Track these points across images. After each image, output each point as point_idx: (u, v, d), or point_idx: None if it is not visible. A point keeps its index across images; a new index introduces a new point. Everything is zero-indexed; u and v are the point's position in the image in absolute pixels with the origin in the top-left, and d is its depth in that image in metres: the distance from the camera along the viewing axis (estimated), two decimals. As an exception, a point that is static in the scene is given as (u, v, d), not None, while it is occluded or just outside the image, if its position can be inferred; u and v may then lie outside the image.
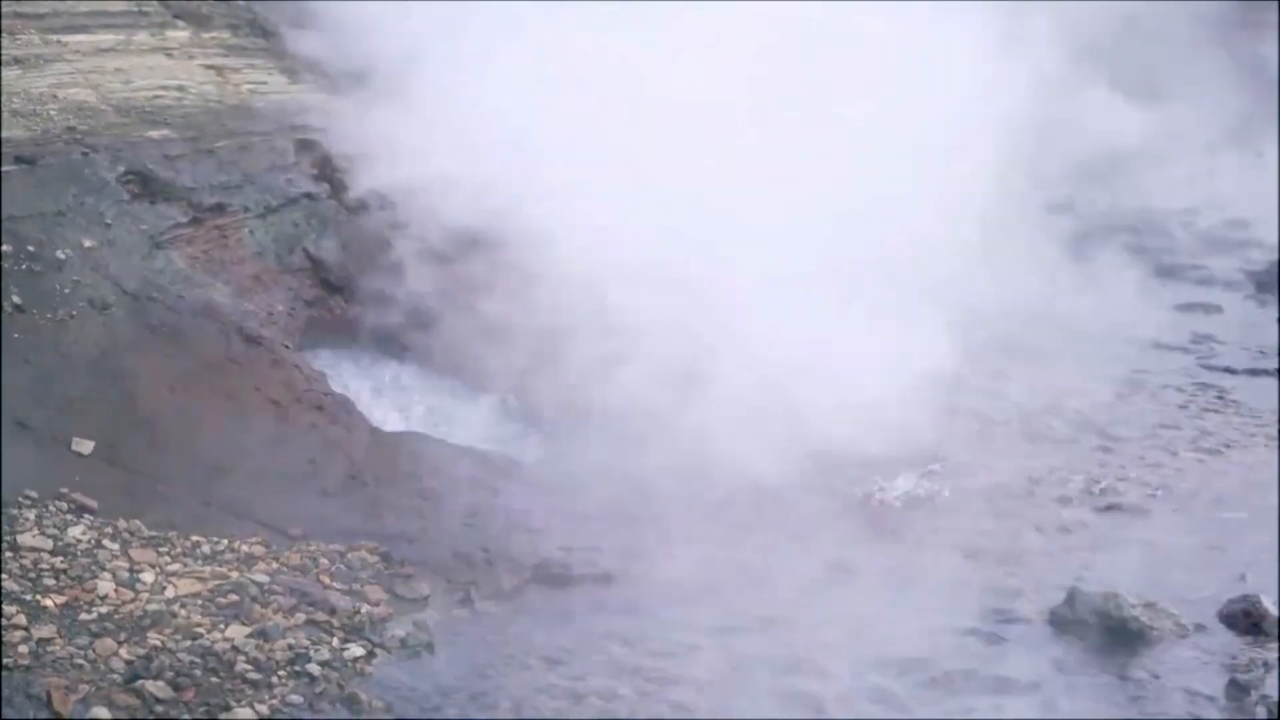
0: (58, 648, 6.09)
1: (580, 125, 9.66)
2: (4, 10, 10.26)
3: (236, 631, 6.45)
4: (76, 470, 7.31)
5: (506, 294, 9.43)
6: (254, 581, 6.85)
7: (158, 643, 6.25)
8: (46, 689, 5.78)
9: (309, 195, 10.00)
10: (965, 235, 10.84)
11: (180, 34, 11.24)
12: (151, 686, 5.95)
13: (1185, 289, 13.36)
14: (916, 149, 10.44)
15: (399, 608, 6.94)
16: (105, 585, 6.60)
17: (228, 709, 5.93)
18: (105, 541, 6.91)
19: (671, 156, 9.49)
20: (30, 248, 8.18)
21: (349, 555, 7.25)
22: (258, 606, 6.67)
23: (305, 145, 10.32)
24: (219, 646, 6.31)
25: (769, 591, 7.47)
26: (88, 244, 8.46)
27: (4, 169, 8.53)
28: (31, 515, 6.94)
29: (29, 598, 6.38)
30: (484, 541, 7.65)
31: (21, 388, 7.51)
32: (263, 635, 6.44)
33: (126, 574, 6.72)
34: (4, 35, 10.04)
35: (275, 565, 7.06)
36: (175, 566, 6.88)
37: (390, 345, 9.75)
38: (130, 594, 6.60)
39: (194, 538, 7.13)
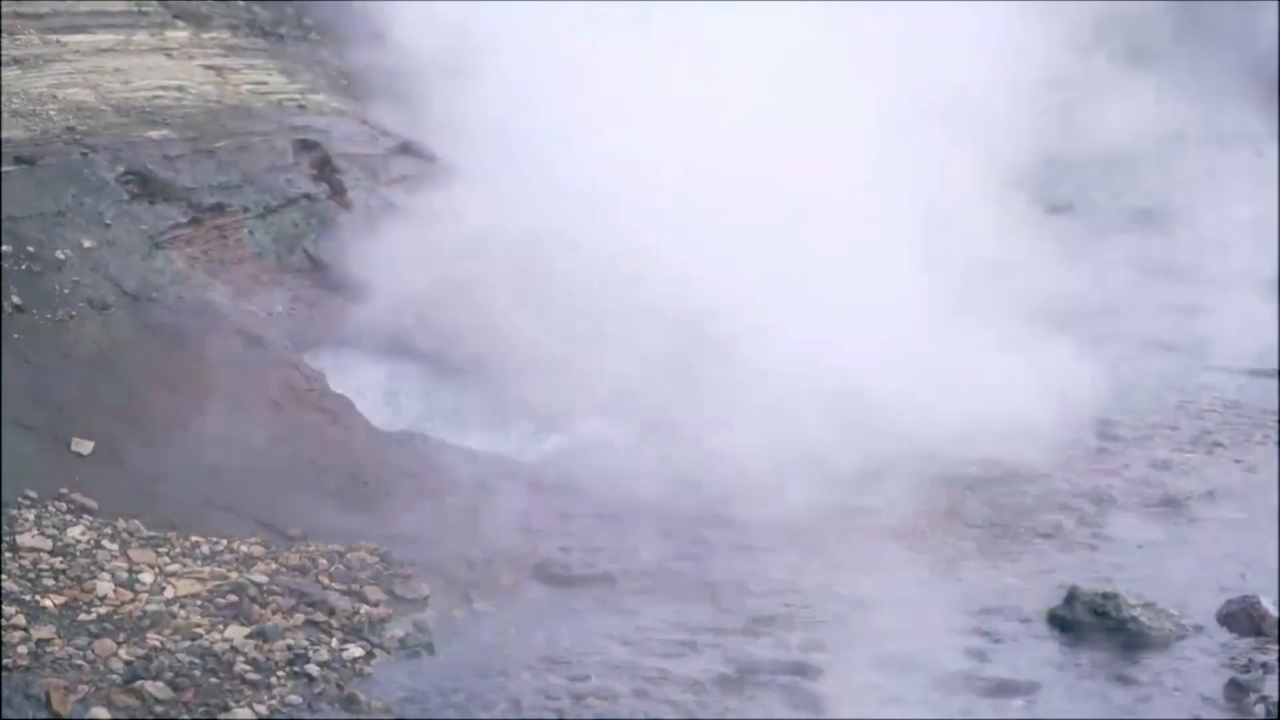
0: (57, 648, 6.10)
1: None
2: (4, 10, 10.28)
3: (236, 632, 6.45)
4: (76, 470, 7.31)
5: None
6: (253, 582, 6.85)
7: (157, 643, 6.25)
8: (46, 689, 5.78)
9: (308, 195, 10.00)
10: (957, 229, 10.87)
11: (180, 34, 11.26)
12: (151, 687, 5.95)
13: (1184, 288, 13.33)
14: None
15: (398, 608, 6.94)
16: (104, 586, 6.60)
17: (227, 709, 5.93)
18: (104, 542, 6.91)
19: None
20: (30, 248, 8.19)
21: (348, 555, 7.25)
22: (257, 607, 6.67)
23: (305, 145, 10.33)
24: (218, 647, 6.31)
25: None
26: (87, 244, 8.46)
27: (4, 169, 8.54)
28: (31, 515, 6.94)
29: (28, 598, 6.38)
30: (483, 542, 7.65)
31: (21, 388, 7.52)
32: (262, 636, 6.44)
33: (126, 574, 6.72)
34: (4, 35, 10.06)
35: (274, 566, 7.05)
36: (174, 567, 6.88)
37: (390, 345, 9.74)
38: (129, 594, 6.60)
39: (193, 538, 7.13)
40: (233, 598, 6.70)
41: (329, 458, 8.07)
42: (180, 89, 10.40)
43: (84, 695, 5.83)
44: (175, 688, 6.00)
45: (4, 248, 8.07)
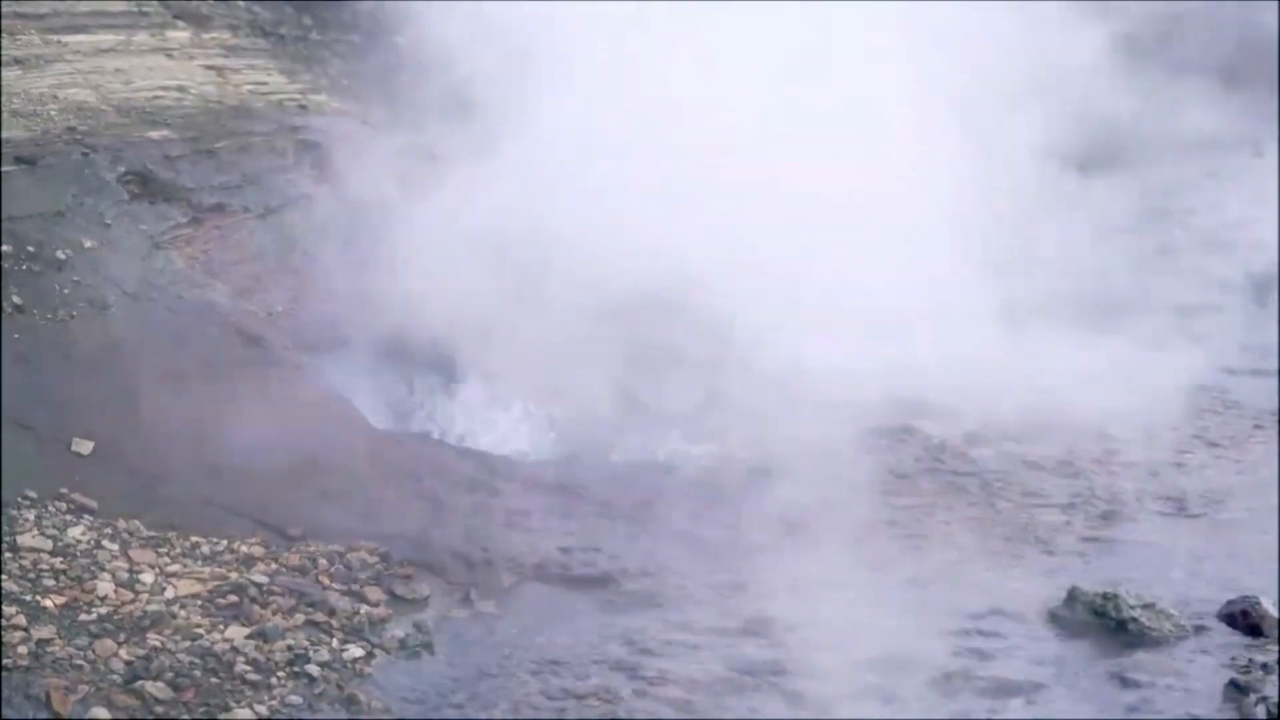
0: (57, 648, 6.10)
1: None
2: (4, 10, 10.28)
3: (236, 632, 6.45)
4: (76, 470, 7.31)
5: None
6: (253, 582, 6.85)
7: (157, 643, 6.26)
8: (46, 689, 5.79)
9: (309, 196, 9.99)
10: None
11: (180, 34, 11.27)
12: (151, 687, 5.96)
13: (1184, 289, 13.31)
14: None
15: (398, 608, 6.94)
16: (105, 586, 6.60)
17: (227, 710, 5.94)
18: (105, 542, 6.91)
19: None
20: (30, 248, 8.19)
21: (348, 556, 7.25)
22: (257, 607, 6.67)
23: (305, 146, 10.32)
24: (218, 647, 6.31)
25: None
26: (88, 244, 8.46)
27: (4, 169, 8.55)
28: (31, 516, 6.94)
29: (29, 598, 6.38)
30: (483, 542, 7.65)
31: (21, 388, 7.52)
32: (262, 636, 6.44)
33: (126, 575, 6.72)
34: (4, 35, 10.06)
35: (274, 566, 7.06)
36: (175, 567, 6.88)
37: (390, 346, 9.74)
38: (130, 595, 6.60)
39: (193, 538, 7.13)
40: (233, 598, 6.70)
41: (329, 458, 8.06)
42: (181, 89, 10.40)
43: (84, 695, 5.84)
44: (175, 688, 6.00)
45: (4, 248, 8.08)
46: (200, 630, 6.42)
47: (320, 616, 6.70)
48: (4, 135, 8.81)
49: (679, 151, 9.65)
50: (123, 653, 6.16)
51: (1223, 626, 7.24)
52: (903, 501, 8.74)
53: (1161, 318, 11.78)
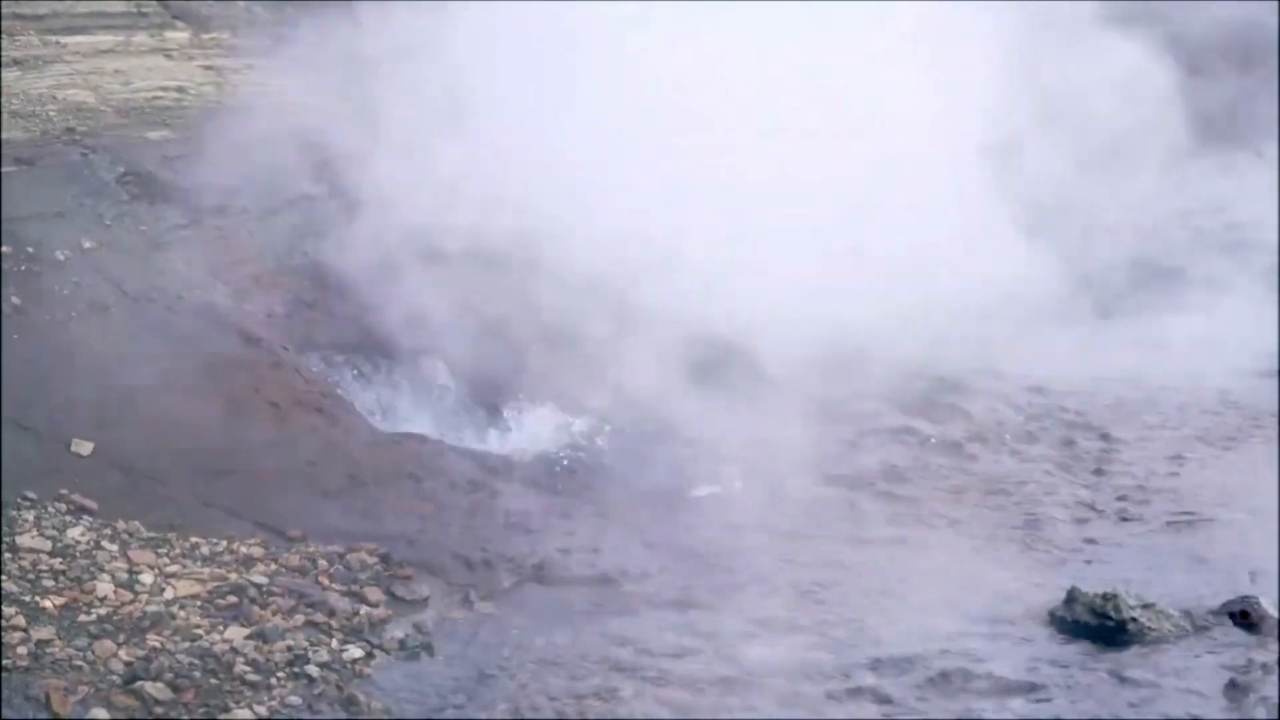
0: (57, 649, 6.10)
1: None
2: (3, 11, 10.29)
3: (235, 633, 6.45)
4: (76, 471, 7.31)
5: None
6: (253, 583, 6.85)
7: (157, 644, 6.26)
8: (45, 690, 5.79)
9: (308, 196, 9.99)
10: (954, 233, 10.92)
11: (179, 35, 11.28)
12: (150, 688, 5.96)
13: (1184, 290, 13.31)
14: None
15: (398, 609, 6.94)
16: (104, 586, 6.60)
17: (226, 710, 5.94)
18: (104, 543, 6.91)
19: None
20: (30, 249, 8.19)
21: (348, 557, 7.25)
22: (257, 608, 6.67)
23: (305, 146, 10.30)
24: (218, 648, 6.31)
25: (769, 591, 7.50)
26: (87, 245, 8.46)
27: (4, 170, 8.55)
28: (31, 516, 6.94)
29: (28, 599, 6.39)
30: (483, 542, 7.66)
31: (21, 388, 7.51)
32: (261, 637, 6.44)
33: (125, 575, 6.72)
34: (4, 36, 10.07)
35: (274, 567, 7.06)
36: (174, 568, 6.88)
37: (390, 346, 9.74)
38: (129, 595, 6.60)
39: (193, 539, 7.13)
40: (232, 599, 6.70)
41: (329, 459, 8.06)
42: (180, 90, 10.40)
43: (84, 696, 5.84)
44: (175, 689, 6.00)
45: (4, 248, 8.07)
46: (200, 631, 6.42)
47: (320, 617, 6.70)
48: (3, 136, 8.82)
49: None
50: (122, 653, 6.15)
51: (1222, 626, 7.24)
52: (902, 501, 8.75)
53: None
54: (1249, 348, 11.22)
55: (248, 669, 6.21)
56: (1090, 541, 8.31)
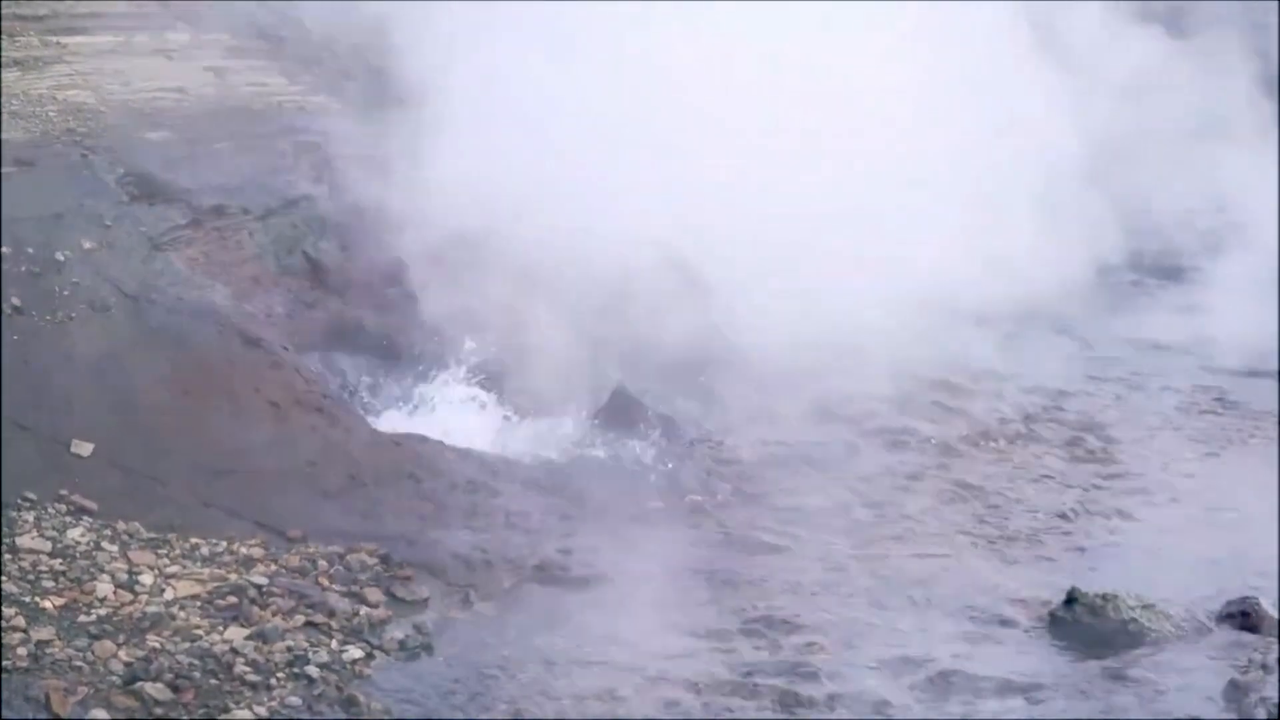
0: (56, 650, 6.10)
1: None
2: (4, 12, 10.29)
3: (235, 633, 6.45)
4: (76, 472, 7.31)
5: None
6: (253, 584, 6.85)
7: (157, 645, 6.25)
8: (45, 691, 5.79)
9: (308, 197, 9.99)
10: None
11: (180, 36, 11.28)
12: (150, 688, 5.95)
13: (1184, 290, 13.32)
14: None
15: (398, 610, 6.94)
16: (104, 587, 6.60)
17: (226, 711, 5.94)
18: (104, 543, 6.91)
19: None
20: (29, 249, 8.19)
21: (348, 557, 7.25)
22: (256, 609, 6.67)
23: (305, 147, 10.32)
24: (218, 648, 6.31)
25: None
26: (87, 246, 8.46)
27: (4, 170, 8.55)
28: (30, 517, 6.94)
29: (28, 600, 6.38)
30: (483, 543, 7.65)
31: (21, 389, 7.51)
32: (261, 637, 6.44)
33: (125, 576, 6.72)
34: (4, 37, 10.07)
35: (274, 567, 7.05)
36: (174, 568, 6.88)
37: (389, 346, 9.74)
38: (129, 596, 6.60)
39: (193, 540, 7.13)
40: (232, 599, 6.70)
41: (328, 459, 8.06)
42: (180, 91, 10.40)
43: (83, 697, 5.84)
44: (175, 689, 6.00)
45: (4, 249, 8.07)
46: (199, 632, 6.42)
47: (320, 618, 6.69)
48: (3, 137, 8.82)
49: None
50: (122, 654, 6.15)
51: (1223, 626, 7.24)
52: (901, 502, 8.75)
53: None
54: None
55: (248, 670, 6.21)
56: (1090, 542, 8.32)
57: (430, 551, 7.48)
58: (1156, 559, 8.05)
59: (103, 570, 6.72)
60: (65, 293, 8.12)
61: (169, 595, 6.66)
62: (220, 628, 6.48)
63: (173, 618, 6.48)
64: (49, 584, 6.54)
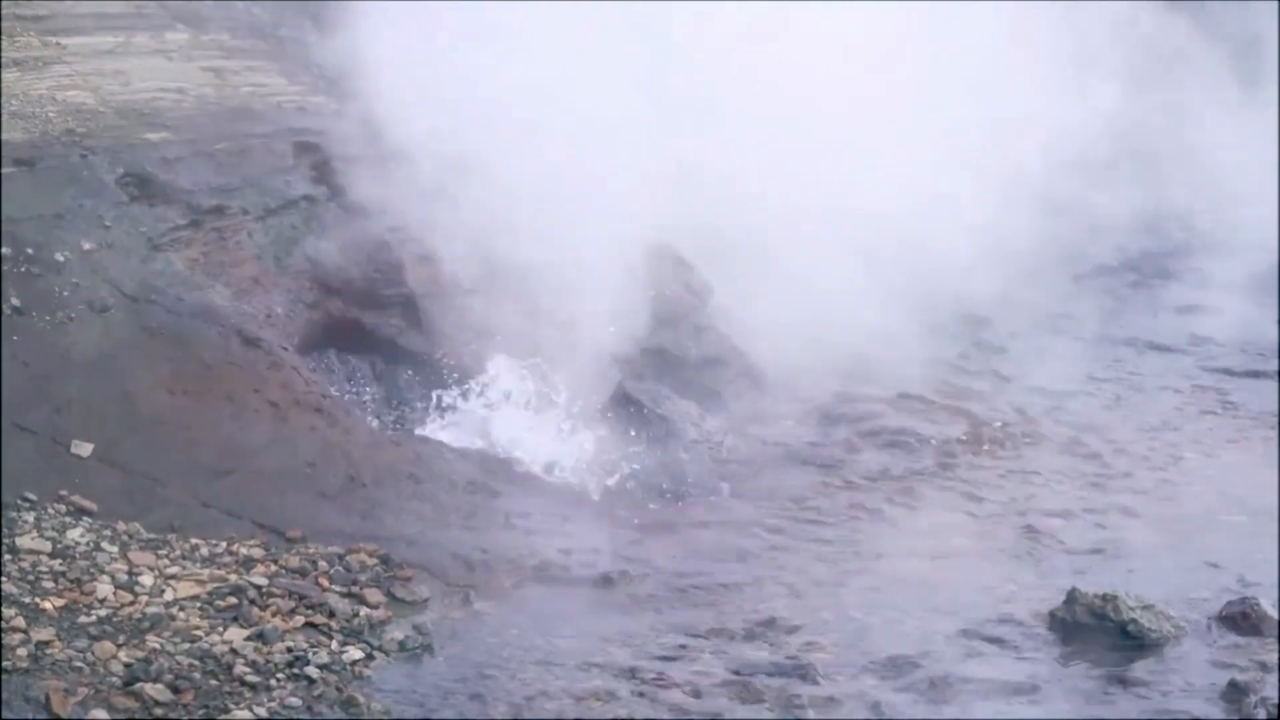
0: (56, 650, 6.10)
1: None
2: (3, 12, 10.28)
3: (235, 634, 6.44)
4: (75, 472, 7.30)
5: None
6: (253, 584, 6.84)
7: (156, 645, 6.25)
8: (45, 692, 5.78)
9: (308, 198, 9.98)
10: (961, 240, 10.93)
11: (179, 36, 11.27)
12: (150, 689, 5.95)
13: (1184, 291, 13.32)
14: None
15: (398, 610, 6.94)
16: (104, 588, 6.59)
17: (226, 711, 5.93)
18: (104, 544, 6.91)
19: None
20: (29, 250, 8.18)
21: (348, 558, 7.24)
22: (256, 609, 6.67)
23: (304, 147, 10.30)
24: (218, 649, 6.31)
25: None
26: (86, 246, 8.45)
27: (3, 171, 8.53)
28: (30, 518, 6.94)
29: (28, 600, 6.38)
30: (483, 543, 7.65)
31: (20, 390, 7.51)
32: (261, 638, 6.44)
33: (125, 577, 6.72)
34: (3, 37, 10.05)
35: (274, 568, 7.05)
36: (174, 569, 6.87)
37: (388, 345, 9.74)
38: (129, 597, 6.60)
39: (193, 540, 7.12)
40: (232, 600, 6.70)
41: (328, 459, 8.06)
42: (180, 91, 10.38)
43: (83, 697, 5.83)
44: (175, 690, 5.99)
45: (3, 250, 8.07)
46: (199, 632, 6.42)
47: (320, 618, 6.69)
48: (3, 137, 8.80)
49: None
50: (122, 655, 6.15)
51: (1222, 627, 7.24)
52: (901, 502, 8.76)
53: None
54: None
55: (247, 670, 6.21)
56: (1090, 542, 8.31)
57: (430, 552, 7.48)
58: (1156, 559, 8.05)
59: (103, 571, 6.72)
60: (65, 293, 8.12)
61: (169, 596, 6.66)
62: (220, 628, 6.48)
63: (173, 618, 6.48)
64: (49, 585, 6.54)
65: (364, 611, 6.82)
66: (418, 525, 7.73)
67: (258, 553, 7.16)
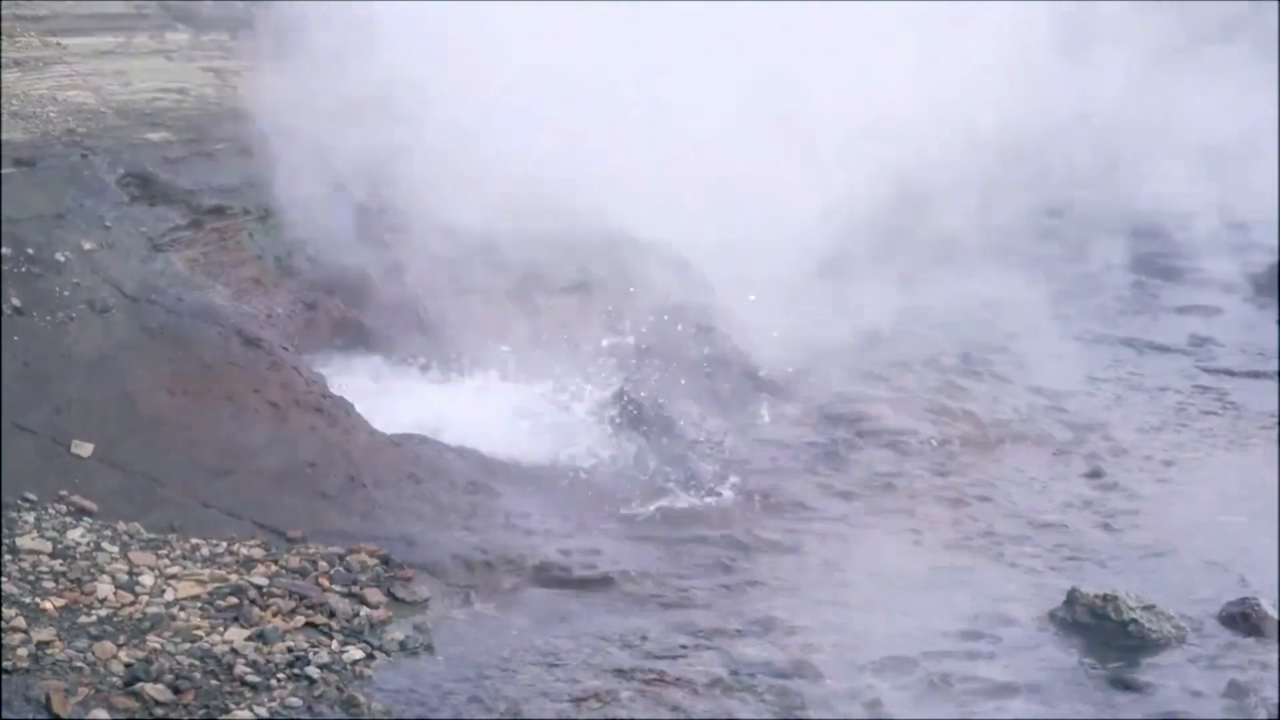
0: (57, 650, 6.10)
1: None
2: (4, 12, 10.29)
3: (236, 634, 6.44)
4: (76, 472, 7.31)
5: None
6: (253, 584, 6.85)
7: (157, 645, 6.25)
8: (46, 692, 5.79)
9: (308, 197, 9.97)
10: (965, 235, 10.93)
11: (180, 37, 11.29)
12: (151, 689, 5.95)
13: (1184, 291, 13.32)
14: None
15: (398, 610, 6.94)
16: (104, 588, 6.60)
17: (227, 711, 5.93)
18: (104, 544, 6.91)
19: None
20: (30, 250, 8.19)
21: (348, 558, 7.25)
22: (257, 609, 6.67)
23: (303, 147, 10.29)
24: (218, 649, 6.31)
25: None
26: (87, 246, 8.46)
27: (4, 171, 8.54)
28: (31, 518, 6.94)
29: (28, 600, 6.38)
30: (483, 544, 7.66)
31: (20, 390, 7.51)
32: (262, 638, 6.44)
33: (126, 577, 6.72)
34: (4, 37, 10.07)
35: (274, 568, 7.05)
36: (174, 569, 6.88)
37: (387, 345, 9.74)
38: (129, 597, 6.60)
39: (193, 540, 7.13)
40: (233, 600, 6.70)
41: (328, 460, 8.06)
42: (180, 91, 10.40)
43: (84, 698, 5.84)
44: (175, 690, 5.99)
45: (4, 250, 8.07)
46: (200, 632, 6.42)
47: (320, 618, 6.69)
48: (4, 137, 8.82)
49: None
50: (122, 655, 6.15)
51: (1223, 627, 7.25)
52: (901, 503, 8.76)
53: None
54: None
55: (248, 670, 6.21)
56: (1090, 543, 8.31)
57: (430, 552, 7.48)
58: (1156, 559, 8.06)
59: (103, 571, 6.72)
60: (65, 293, 8.12)
61: (169, 596, 6.66)
62: (220, 628, 6.48)
63: (173, 618, 6.48)
64: (49, 585, 6.54)
65: (364, 611, 6.82)
66: (418, 525, 7.74)
67: (258, 553, 7.16)
